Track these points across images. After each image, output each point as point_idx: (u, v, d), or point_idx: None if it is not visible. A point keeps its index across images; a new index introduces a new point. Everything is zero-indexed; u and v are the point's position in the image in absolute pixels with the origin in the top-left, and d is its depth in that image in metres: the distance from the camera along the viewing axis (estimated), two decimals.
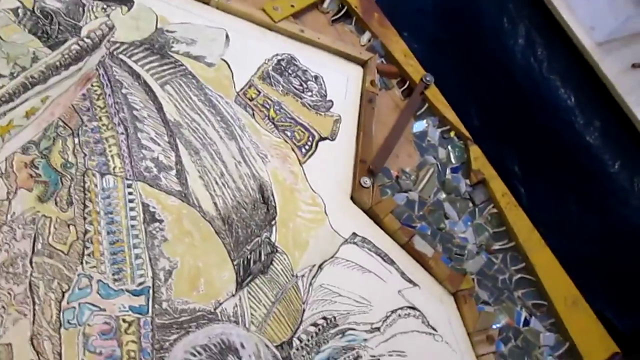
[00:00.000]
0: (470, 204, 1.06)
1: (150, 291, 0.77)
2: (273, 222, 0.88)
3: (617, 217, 1.25)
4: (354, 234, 0.93)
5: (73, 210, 0.78)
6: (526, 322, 1.00)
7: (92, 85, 0.87)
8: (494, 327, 0.96)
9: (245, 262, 0.84)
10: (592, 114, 1.24)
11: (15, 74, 0.83)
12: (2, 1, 0.87)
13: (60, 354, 0.70)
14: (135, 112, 0.87)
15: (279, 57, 1.03)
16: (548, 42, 1.29)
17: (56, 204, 0.77)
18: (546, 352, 0.99)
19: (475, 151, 1.10)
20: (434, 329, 0.92)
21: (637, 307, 1.34)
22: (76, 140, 0.82)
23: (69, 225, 0.77)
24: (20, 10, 0.88)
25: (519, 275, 1.04)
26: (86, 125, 0.84)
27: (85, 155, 0.82)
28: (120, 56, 0.91)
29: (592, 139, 1.24)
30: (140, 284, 0.77)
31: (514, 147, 1.42)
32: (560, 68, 1.27)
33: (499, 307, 0.99)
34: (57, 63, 0.86)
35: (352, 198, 0.96)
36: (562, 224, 1.35)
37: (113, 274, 0.76)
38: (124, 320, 0.74)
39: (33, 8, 0.89)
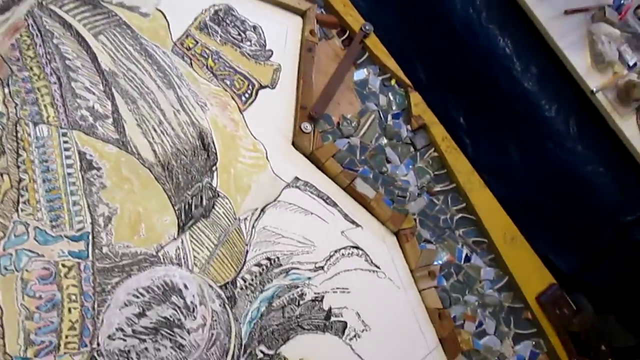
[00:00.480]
0: (412, 149, 1.09)
1: (90, 236, 0.77)
2: (214, 168, 0.89)
3: (554, 160, 1.29)
4: (296, 178, 0.94)
5: (6, 159, 0.77)
6: (467, 259, 1.04)
7: (21, 35, 0.85)
8: (435, 263, 1.00)
9: (187, 206, 0.85)
10: (529, 60, 1.28)
11: None
12: None
13: None
14: (68, 62, 0.86)
15: (216, 8, 1.02)
16: None
17: None
18: (486, 285, 1.03)
19: (415, 97, 1.13)
20: (377, 266, 0.94)
21: (576, 247, 1.40)
22: (6, 90, 0.81)
23: (2, 174, 0.76)
24: None
25: (459, 215, 1.08)
26: (16, 75, 0.82)
27: (17, 105, 0.80)
28: (50, 6, 0.89)
29: (530, 85, 1.27)
30: (79, 229, 0.77)
31: (458, 99, 1.45)
32: (497, 17, 1.30)
33: (441, 245, 1.03)
34: None
35: (293, 144, 0.98)
36: (505, 171, 1.39)
37: (50, 221, 0.76)
38: (63, 265, 0.74)
39: None
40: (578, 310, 1.07)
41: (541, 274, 1.09)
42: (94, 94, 0.86)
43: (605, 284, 1.42)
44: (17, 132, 0.79)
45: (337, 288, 0.89)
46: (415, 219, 1.02)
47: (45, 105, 0.82)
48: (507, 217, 1.11)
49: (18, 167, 0.77)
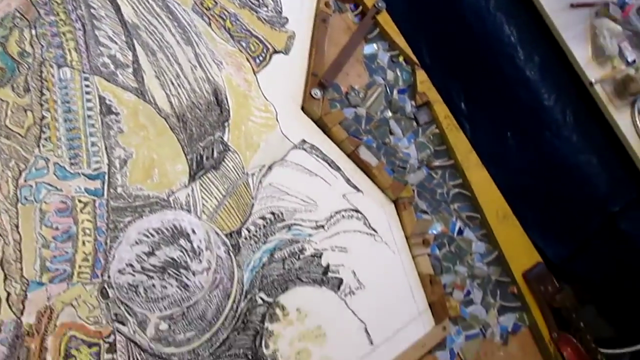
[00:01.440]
0: (415, 124, 1.13)
1: (106, 176, 0.81)
2: (226, 124, 0.93)
3: (550, 148, 1.34)
4: (303, 141, 0.98)
5: (30, 97, 0.80)
6: (460, 232, 1.09)
7: None
8: (430, 233, 1.04)
9: (198, 157, 0.88)
10: (533, 49, 1.32)
11: None
12: None
13: (17, 226, 0.73)
14: (92, 11, 0.89)
15: None
16: None
17: (13, 89, 0.80)
18: (476, 258, 1.08)
19: (421, 75, 1.16)
20: (374, 230, 0.99)
21: (564, 235, 1.45)
22: (33, 31, 0.84)
23: (25, 111, 0.79)
24: None
25: (456, 190, 1.12)
26: (43, 19, 0.85)
27: (43, 46, 0.84)
28: None
29: (532, 74, 1.32)
30: (96, 169, 0.80)
31: (460, 84, 1.49)
32: (505, 5, 1.34)
33: (436, 217, 1.07)
34: None
35: (302, 109, 1.01)
36: (502, 157, 1.44)
37: (69, 158, 0.79)
38: (79, 201, 0.78)
39: None
40: (561, 288, 1.12)
41: (529, 252, 1.14)
42: (116, 43, 0.89)
43: (588, 273, 1.47)
44: (41, 72, 0.82)
45: (336, 247, 0.94)
46: (413, 190, 1.06)
47: (69, 50, 0.85)
48: (501, 196, 1.16)
49: (41, 105, 0.80)
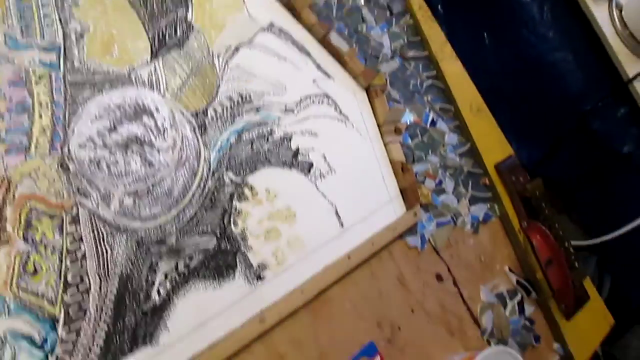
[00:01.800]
0: (388, 13, 1.10)
1: (61, 49, 0.77)
2: (189, 2, 0.88)
3: (527, 46, 1.32)
4: (272, 24, 0.95)
5: None
6: (433, 123, 1.08)
7: None
8: (402, 121, 1.03)
9: (161, 35, 0.85)
10: None
11: None
12: None
13: None
14: None
15: None
16: None
17: None
18: (449, 149, 1.07)
19: None
20: (345, 116, 0.97)
21: (538, 137, 1.46)
22: None
23: None
24: None
25: (429, 82, 1.10)
26: None
27: None
28: None
29: None
30: (50, 41, 0.76)
31: None
32: None
33: (409, 107, 1.06)
34: None
35: None
36: (479, 60, 1.42)
37: (21, 29, 0.75)
38: (34, 73, 0.74)
39: None
40: (532, 178, 1.12)
41: (502, 145, 1.14)
42: None
43: (560, 176, 1.48)
44: None
45: (306, 131, 0.92)
46: (386, 80, 1.04)
47: None
48: (475, 89, 1.14)
49: None
